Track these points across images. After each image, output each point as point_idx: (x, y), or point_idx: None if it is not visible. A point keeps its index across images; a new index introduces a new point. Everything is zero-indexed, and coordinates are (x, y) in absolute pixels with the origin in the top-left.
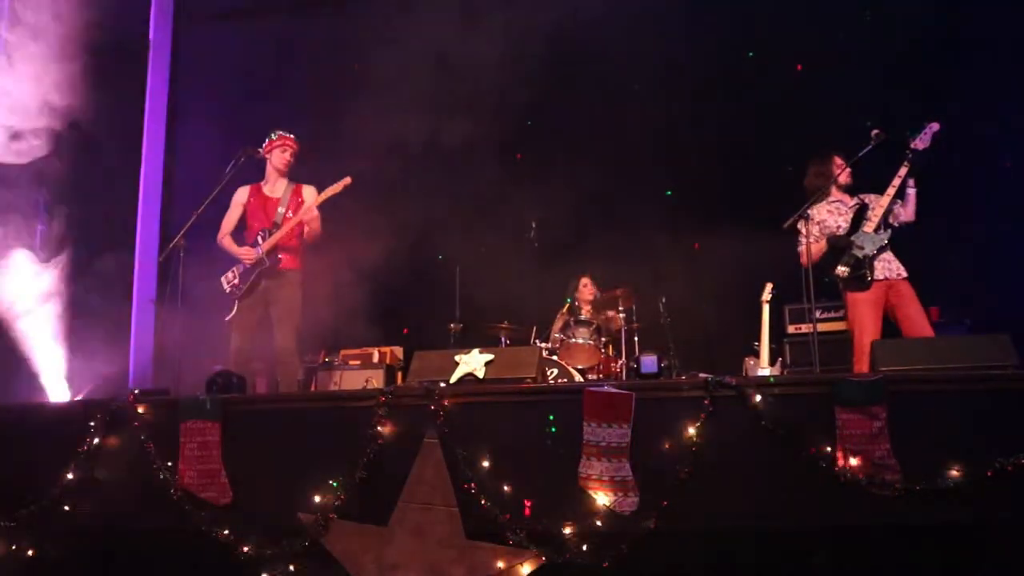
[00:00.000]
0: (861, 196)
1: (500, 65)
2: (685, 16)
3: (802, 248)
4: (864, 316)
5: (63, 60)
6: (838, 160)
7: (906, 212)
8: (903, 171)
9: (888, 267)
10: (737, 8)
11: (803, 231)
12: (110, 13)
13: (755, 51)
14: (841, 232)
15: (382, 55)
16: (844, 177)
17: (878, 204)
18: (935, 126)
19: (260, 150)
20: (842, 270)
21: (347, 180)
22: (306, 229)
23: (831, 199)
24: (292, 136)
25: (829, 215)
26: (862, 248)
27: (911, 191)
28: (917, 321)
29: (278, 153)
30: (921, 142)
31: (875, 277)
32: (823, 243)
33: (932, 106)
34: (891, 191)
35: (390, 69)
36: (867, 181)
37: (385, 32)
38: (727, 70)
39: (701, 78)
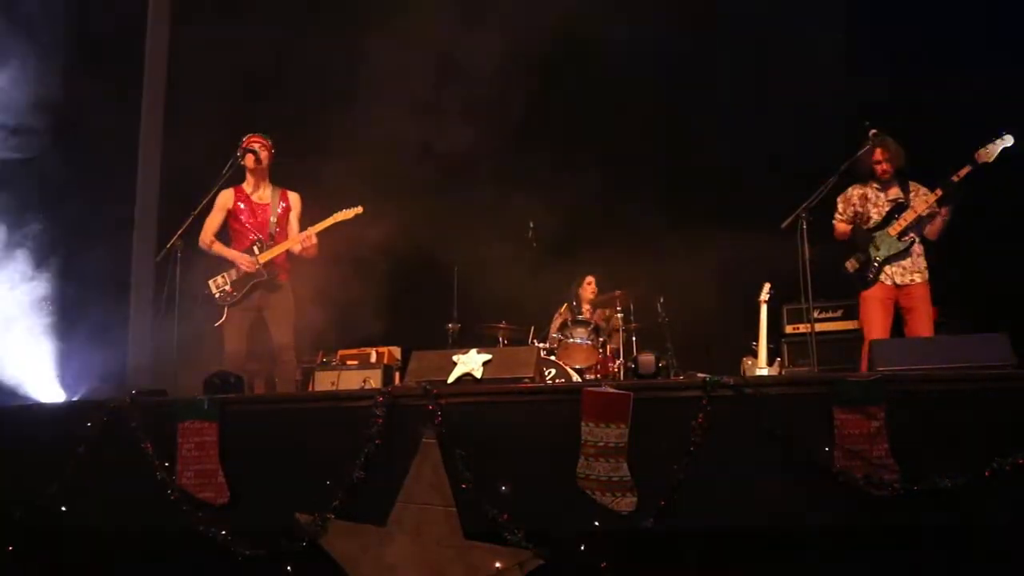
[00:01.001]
0: (914, 187)
1: (499, 65)
2: (684, 16)
3: (835, 222)
4: (871, 313)
5: (59, 59)
6: (877, 154)
7: (929, 231)
8: (939, 192)
9: (903, 273)
10: (737, 8)
11: (839, 208)
12: (106, 12)
13: (753, 51)
14: (871, 224)
15: (381, 54)
16: (880, 171)
17: (913, 209)
18: (1008, 140)
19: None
20: (850, 264)
21: (358, 209)
22: (299, 249)
23: (874, 185)
24: (262, 137)
25: (867, 203)
26: (878, 248)
27: (939, 218)
28: (917, 325)
29: (249, 155)
30: (986, 154)
31: (880, 280)
32: (849, 228)
33: (930, 104)
34: (932, 199)
35: (389, 69)
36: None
37: (384, 32)
38: (726, 70)
39: (700, 78)
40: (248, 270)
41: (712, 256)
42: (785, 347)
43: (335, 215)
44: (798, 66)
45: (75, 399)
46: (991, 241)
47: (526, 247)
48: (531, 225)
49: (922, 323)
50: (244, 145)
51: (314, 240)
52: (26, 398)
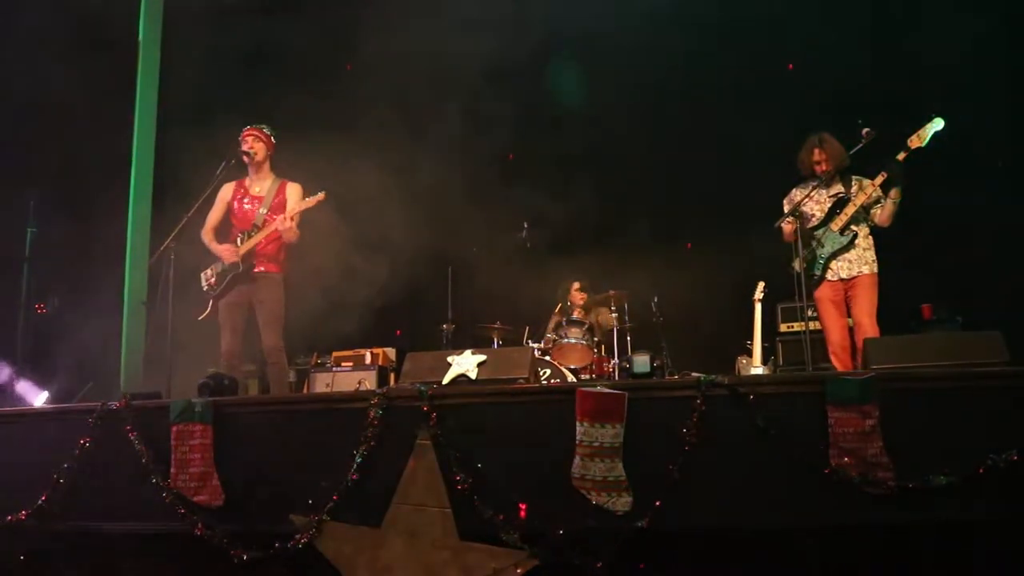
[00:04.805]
0: (857, 181)
1: (495, 65)
2: (676, 18)
3: (782, 225)
4: (825, 313)
5: (52, 60)
6: (816, 154)
7: (880, 217)
8: (884, 175)
9: (849, 267)
10: (729, 8)
11: (785, 210)
12: (99, 12)
13: (747, 51)
14: (814, 222)
15: (376, 54)
16: (819, 170)
17: (853, 203)
18: (939, 123)
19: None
20: (797, 263)
21: (320, 196)
22: (278, 234)
23: (817, 184)
24: (257, 129)
25: (809, 202)
26: (822, 246)
27: (889, 201)
28: (856, 311)
29: (243, 148)
30: (919, 139)
31: (827, 277)
32: (794, 226)
33: (926, 104)
34: (870, 189)
35: (384, 68)
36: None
37: (380, 31)
38: (719, 71)
39: (693, 79)
40: (229, 261)
41: (706, 255)
42: (780, 346)
43: (299, 204)
44: (789, 65)
45: (69, 402)
46: (984, 240)
47: (521, 248)
48: (525, 225)
49: (861, 308)
50: (241, 139)
51: (288, 224)
52: (19, 402)
